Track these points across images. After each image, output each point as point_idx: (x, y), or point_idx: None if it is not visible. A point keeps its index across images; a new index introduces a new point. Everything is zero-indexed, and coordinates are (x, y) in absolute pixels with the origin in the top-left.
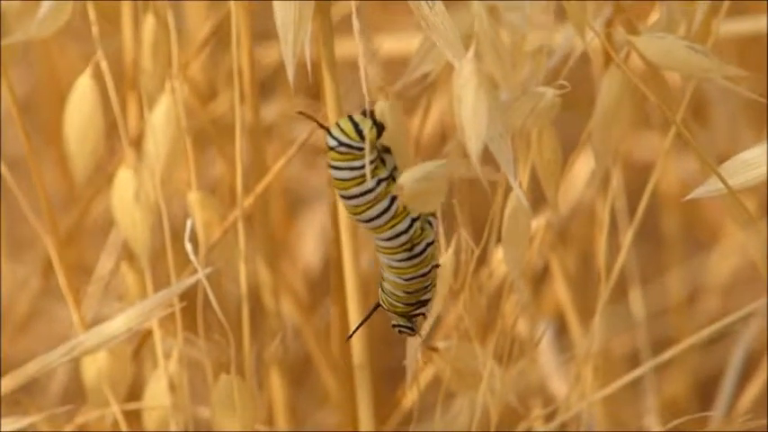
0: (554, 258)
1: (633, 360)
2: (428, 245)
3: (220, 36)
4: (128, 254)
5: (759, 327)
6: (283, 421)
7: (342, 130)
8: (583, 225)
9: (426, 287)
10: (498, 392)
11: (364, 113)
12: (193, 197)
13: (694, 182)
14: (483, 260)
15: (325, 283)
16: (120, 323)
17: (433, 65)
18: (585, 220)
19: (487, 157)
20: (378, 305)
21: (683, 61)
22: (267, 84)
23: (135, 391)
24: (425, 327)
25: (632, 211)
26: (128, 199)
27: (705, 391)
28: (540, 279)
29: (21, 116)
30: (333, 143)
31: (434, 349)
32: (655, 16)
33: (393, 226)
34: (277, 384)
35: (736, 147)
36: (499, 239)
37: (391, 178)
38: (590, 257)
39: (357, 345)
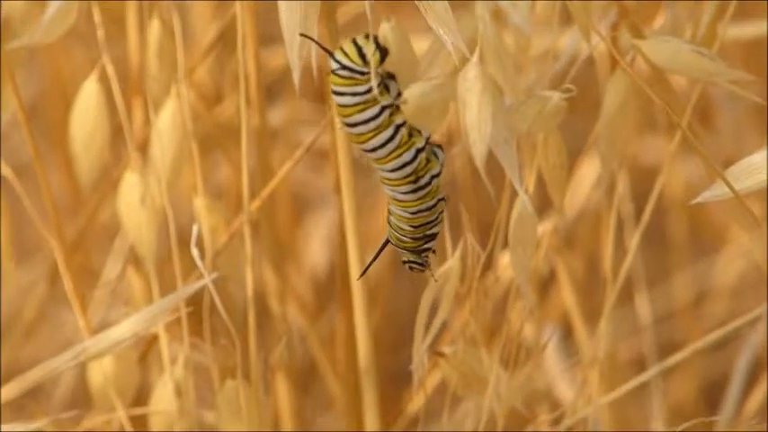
0: (560, 263)
1: (639, 364)
2: (433, 177)
3: (226, 40)
4: (134, 259)
5: (766, 331)
6: (289, 426)
7: (345, 53)
8: (589, 229)
9: (433, 221)
10: (504, 397)
11: (368, 37)
12: (199, 202)
13: (700, 186)
14: (489, 265)
15: (331, 287)
16: (126, 328)
17: (439, 69)
18: (592, 224)
19: (493, 162)
20: (387, 241)
21: (689, 65)
22: (273, 88)
23: (141, 396)
24: (433, 266)
25: (638, 215)
26: (134, 203)
27: (712, 396)
28: (546, 284)
29: (26, 120)
30: (335, 66)
31: (441, 354)
32: (660, 20)
33: (398, 156)
34: (283, 389)
35: (741, 151)
36: (505, 244)
37: (395, 106)
38: (596, 262)
39: (363, 350)
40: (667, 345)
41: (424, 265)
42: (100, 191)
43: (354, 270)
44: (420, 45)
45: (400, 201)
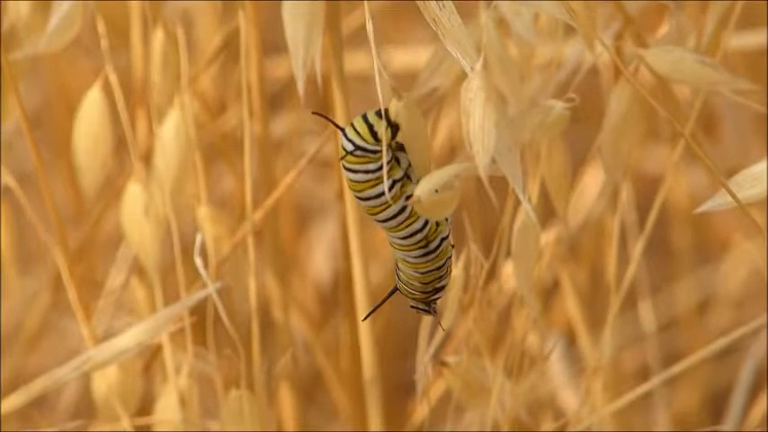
0: (564, 272)
1: (643, 373)
2: (443, 240)
3: (230, 50)
4: (138, 268)
5: None
6: None
7: (357, 131)
8: (592, 238)
9: (442, 276)
10: (508, 406)
11: (379, 114)
12: (203, 211)
13: (704, 195)
14: (493, 274)
15: (335, 297)
16: (130, 338)
17: (441, 79)
18: (595, 233)
19: (496, 171)
20: (395, 289)
21: (693, 74)
22: (277, 98)
23: (145, 406)
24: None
25: (642, 224)
26: (137, 213)
27: (716, 404)
28: (549, 292)
29: (30, 130)
30: (348, 146)
31: (444, 363)
32: (664, 29)
33: (408, 225)
34: (287, 399)
35: (745, 160)
36: (509, 253)
37: (406, 177)
38: (600, 271)
39: (367, 359)
40: (671, 354)
41: (430, 311)
42: (103, 200)
43: (358, 279)
44: (423, 56)
45: (411, 263)
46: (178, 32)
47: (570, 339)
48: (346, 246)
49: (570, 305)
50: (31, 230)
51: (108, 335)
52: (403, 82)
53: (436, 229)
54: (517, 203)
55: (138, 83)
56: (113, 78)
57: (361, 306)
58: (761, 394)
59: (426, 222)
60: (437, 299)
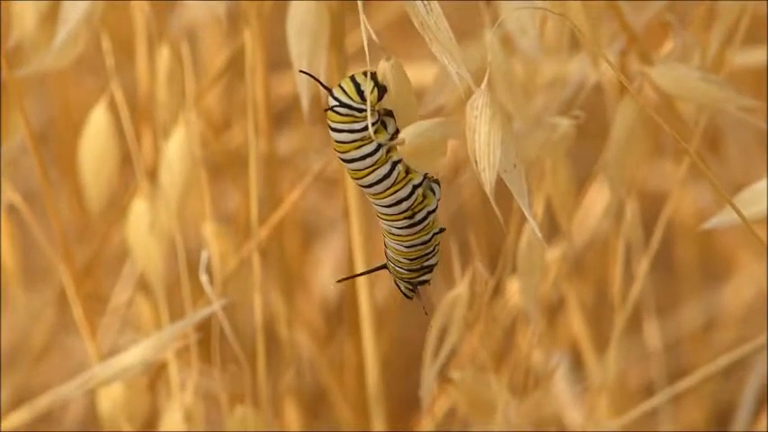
0: (569, 289)
1: (648, 390)
2: (429, 213)
3: (235, 67)
4: (143, 285)
5: None
6: None
7: (343, 90)
8: (598, 255)
9: (428, 253)
10: (513, 423)
11: (366, 75)
12: (208, 228)
13: (709, 212)
14: (498, 291)
15: (341, 314)
16: (135, 354)
17: (447, 96)
18: (600, 250)
19: (501, 188)
20: (383, 266)
21: (697, 92)
22: (282, 115)
23: (150, 423)
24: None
25: (647, 241)
26: (143, 230)
27: (720, 422)
28: (555, 310)
29: (36, 147)
30: (333, 103)
31: (449, 380)
32: (669, 46)
33: (394, 192)
34: (292, 415)
35: (750, 177)
36: (514, 270)
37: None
38: (605, 288)
39: (372, 376)
40: (676, 371)
41: (410, 293)
42: (109, 217)
43: (363, 296)
44: (429, 72)
45: (395, 235)
46: (183, 50)
47: (575, 356)
48: (351, 263)
49: (575, 322)
50: (37, 247)
51: (113, 351)
52: None
53: (422, 201)
54: (522, 220)
55: (144, 100)
56: (119, 95)
57: (367, 323)
58: (765, 412)
59: (413, 191)
60: (424, 281)
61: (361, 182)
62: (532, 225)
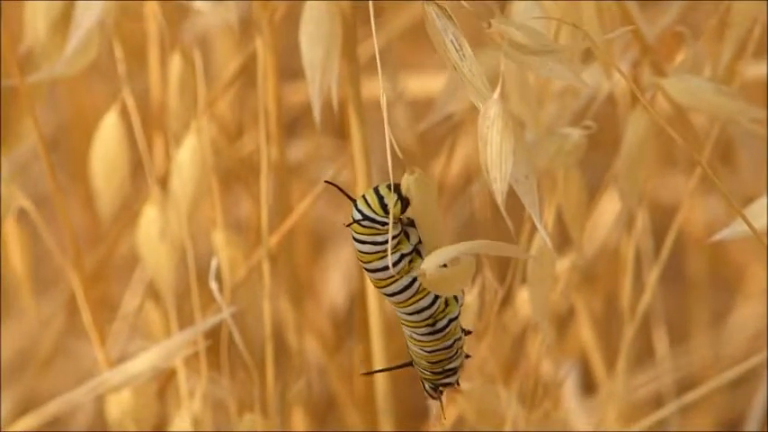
0: (579, 299)
1: (657, 401)
2: (451, 321)
3: (247, 75)
4: (153, 292)
5: None
6: None
7: (367, 203)
8: (608, 266)
9: (451, 357)
10: None
11: (390, 188)
12: (219, 236)
13: (719, 223)
14: (507, 301)
15: (350, 322)
16: (144, 361)
17: (457, 105)
18: (611, 260)
19: (512, 198)
20: (409, 363)
21: (710, 103)
22: (294, 123)
23: (159, 430)
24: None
25: (657, 252)
26: (153, 237)
27: None
28: (564, 320)
29: (47, 153)
30: (357, 216)
31: (458, 389)
32: (681, 58)
33: (416, 301)
34: (301, 423)
35: (761, 189)
36: (524, 280)
37: (415, 252)
38: (615, 298)
39: (381, 384)
40: (685, 382)
41: (434, 397)
42: (119, 224)
43: (372, 304)
44: (441, 81)
45: (417, 340)
46: (195, 57)
47: (584, 367)
48: (361, 271)
49: (585, 332)
50: (47, 253)
51: (122, 358)
52: (420, 107)
53: (444, 309)
54: (533, 230)
55: (156, 107)
56: (130, 102)
57: (376, 331)
58: None
59: (434, 301)
60: (448, 383)
61: (383, 291)
62: (543, 235)
